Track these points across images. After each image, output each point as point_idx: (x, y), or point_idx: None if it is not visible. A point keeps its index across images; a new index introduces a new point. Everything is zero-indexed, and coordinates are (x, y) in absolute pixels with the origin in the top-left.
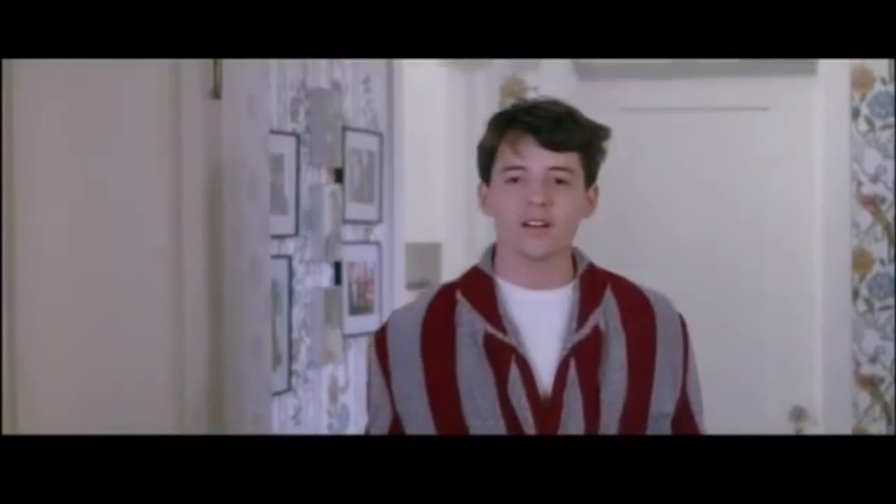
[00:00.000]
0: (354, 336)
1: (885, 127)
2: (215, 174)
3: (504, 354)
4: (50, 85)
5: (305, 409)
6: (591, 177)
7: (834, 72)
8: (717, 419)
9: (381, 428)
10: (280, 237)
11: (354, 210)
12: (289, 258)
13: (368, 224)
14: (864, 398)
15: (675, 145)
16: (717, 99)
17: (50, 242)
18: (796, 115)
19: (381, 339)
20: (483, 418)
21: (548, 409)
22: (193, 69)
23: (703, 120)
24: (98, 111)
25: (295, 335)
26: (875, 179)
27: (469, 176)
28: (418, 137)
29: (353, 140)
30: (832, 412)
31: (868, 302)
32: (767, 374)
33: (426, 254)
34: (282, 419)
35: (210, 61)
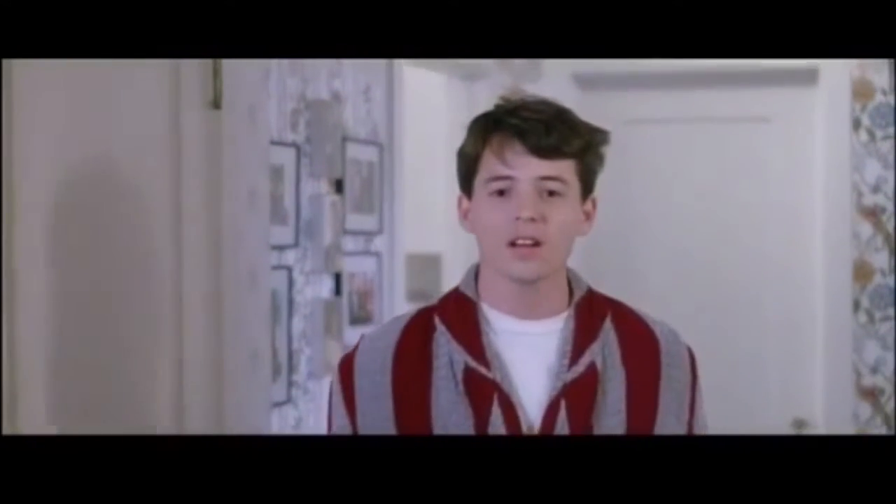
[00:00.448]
0: None
1: (885, 137)
2: (215, 185)
3: (486, 391)
4: (48, 99)
5: (305, 420)
6: (587, 187)
7: (835, 82)
8: (717, 430)
9: None
10: (280, 248)
11: (354, 221)
12: (289, 269)
13: (368, 235)
14: (866, 409)
15: (676, 156)
16: (717, 110)
17: (49, 247)
18: (797, 126)
19: (346, 368)
20: None
21: None
22: (193, 79)
23: (704, 131)
24: (98, 120)
25: (295, 346)
26: (876, 190)
27: None
28: (418, 148)
29: (353, 151)
30: (833, 423)
31: (869, 313)
32: (769, 385)
33: (426, 265)
34: (282, 430)
35: (210, 71)
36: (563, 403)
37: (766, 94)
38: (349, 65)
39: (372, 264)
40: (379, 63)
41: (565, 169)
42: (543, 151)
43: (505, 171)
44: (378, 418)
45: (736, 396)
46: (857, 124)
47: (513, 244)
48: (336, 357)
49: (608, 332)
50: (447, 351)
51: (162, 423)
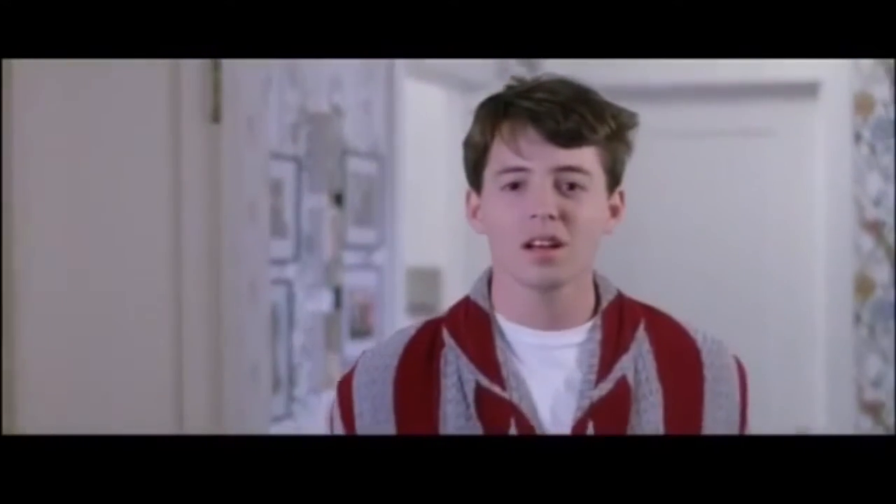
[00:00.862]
0: None
1: (886, 150)
2: (215, 198)
3: (502, 414)
4: (48, 110)
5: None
6: (614, 179)
7: (836, 96)
8: None
9: None
10: (280, 262)
11: (355, 234)
12: (289, 283)
13: (369, 248)
14: (867, 423)
15: (678, 170)
16: (718, 123)
17: (49, 263)
18: (798, 140)
19: (345, 390)
20: None
21: None
22: (193, 92)
23: (705, 144)
24: (98, 134)
25: (295, 360)
26: (877, 203)
27: None
28: (418, 162)
29: (353, 164)
30: None
31: (870, 326)
32: (770, 399)
33: (427, 278)
34: None
35: (210, 84)
36: (590, 425)
37: (768, 108)
38: (349, 78)
39: (372, 278)
40: (379, 76)
41: (588, 158)
42: (562, 138)
43: (518, 162)
44: None
45: None
46: (858, 137)
47: (529, 246)
48: (336, 371)
49: (641, 342)
50: (457, 368)
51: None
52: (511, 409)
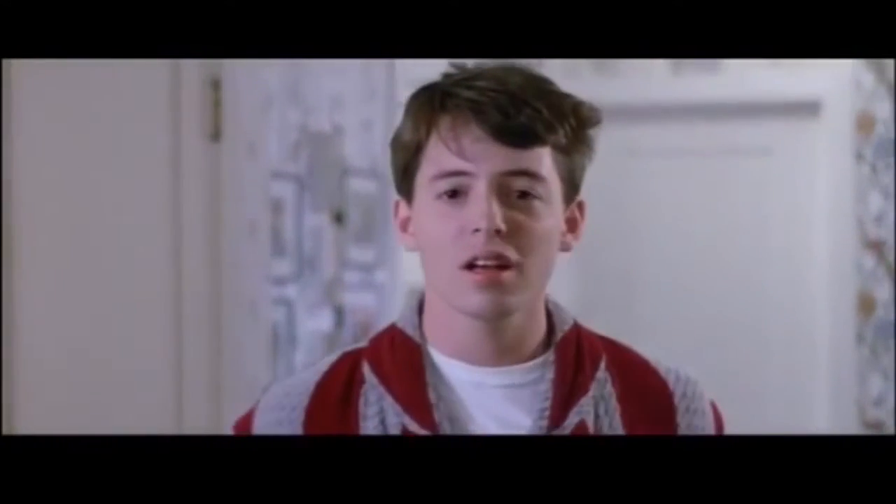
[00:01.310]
0: None
1: (888, 168)
2: (215, 217)
3: None
4: (47, 129)
5: None
6: (572, 187)
7: (837, 114)
8: None
9: None
10: (281, 281)
11: (356, 253)
12: (289, 302)
13: (370, 267)
14: None
15: (677, 189)
16: (719, 142)
17: (49, 287)
18: (799, 158)
19: (242, 432)
20: None
21: None
22: (193, 111)
23: (706, 163)
24: (98, 152)
25: None
26: (879, 222)
27: None
28: None
29: (354, 183)
30: None
31: (872, 346)
32: (772, 418)
33: None
34: None
35: (210, 103)
36: None
37: (769, 127)
38: (350, 97)
39: (373, 297)
40: (380, 95)
41: (542, 161)
42: (511, 136)
43: (458, 165)
44: None
45: (739, 429)
46: (859, 156)
47: (470, 266)
48: None
49: (603, 382)
50: (379, 410)
51: None
52: None
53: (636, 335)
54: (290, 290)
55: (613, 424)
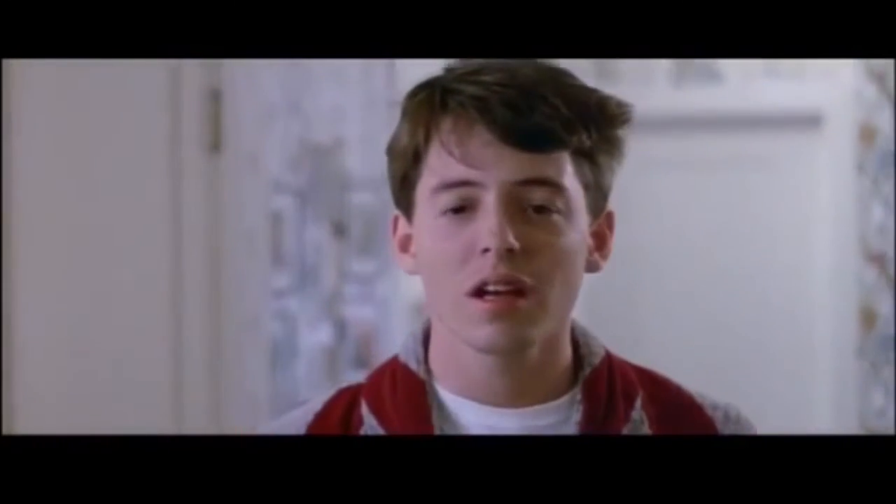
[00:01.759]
0: None
1: (889, 180)
2: (215, 230)
3: None
4: (47, 138)
5: None
6: (600, 195)
7: (838, 126)
8: None
9: None
10: (281, 293)
11: (356, 266)
12: (290, 315)
13: (370, 280)
14: None
15: (679, 201)
16: (720, 155)
17: (48, 298)
18: (801, 171)
19: None
20: None
21: None
22: (194, 122)
23: (707, 176)
24: (98, 164)
25: (296, 392)
26: (881, 235)
27: None
28: None
29: (355, 195)
30: None
31: (874, 359)
32: (774, 430)
33: None
34: None
35: (211, 114)
36: None
37: (770, 139)
38: (351, 109)
39: (374, 310)
40: (381, 107)
41: (561, 167)
42: (523, 138)
43: (462, 174)
44: None
45: None
46: (861, 168)
47: (479, 293)
48: None
49: (639, 424)
50: None
51: None
52: None
53: (637, 348)
54: (291, 303)
55: None
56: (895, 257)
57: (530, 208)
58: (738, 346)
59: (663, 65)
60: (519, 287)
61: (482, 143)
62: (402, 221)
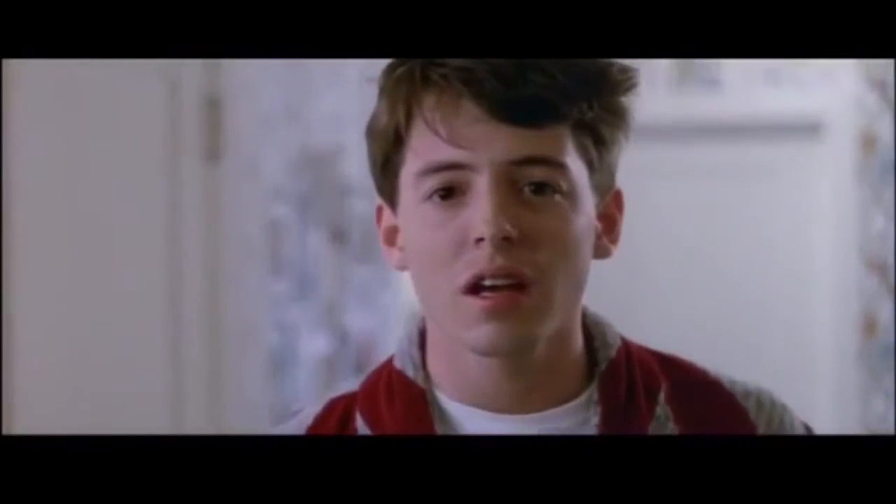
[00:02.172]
0: None
1: (890, 187)
2: (214, 237)
3: None
4: (45, 147)
5: None
6: (606, 173)
7: (839, 134)
8: None
9: None
10: (281, 301)
11: (357, 274)
12: (290, 323)
13: (371, 288)
14: None
15: (679, 210)
16: (721, 163)
17: (46, 302)
18: (802, 179)
19: None
20: None
21: None
22: (193, 129)
23: (708, 184)
24: (96, 172)
25: (296, 401)
26: (882, 243)
27: None
28: None
29: (355, 203)
30: None
31: (875, 367)
32: None
33: None
34: None
35: (210, 121)
36: None
37: (771, 147)
38: (351, 116)
39: (375, 318)
40: None
41: (561, 142)
42: (517, 112)
43: (449, 155)
44: None
45: None
46: (861, 176)
47: (475, 289)
48: None
49: (664, 421)
50: None
51: None
52: None
53: None
54: (291, 311)
55: None
56: (895, 265)
57: (528, 190)
58: (739, 353)
59: (664, 72)
60: (519, 280)
61: (470, 119)
62: (387, 212)
